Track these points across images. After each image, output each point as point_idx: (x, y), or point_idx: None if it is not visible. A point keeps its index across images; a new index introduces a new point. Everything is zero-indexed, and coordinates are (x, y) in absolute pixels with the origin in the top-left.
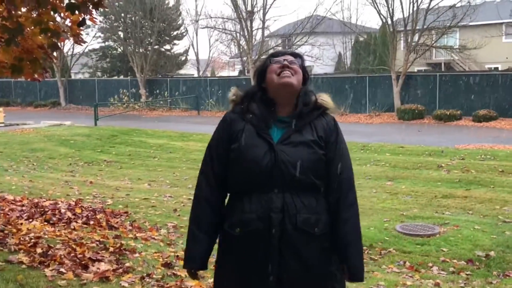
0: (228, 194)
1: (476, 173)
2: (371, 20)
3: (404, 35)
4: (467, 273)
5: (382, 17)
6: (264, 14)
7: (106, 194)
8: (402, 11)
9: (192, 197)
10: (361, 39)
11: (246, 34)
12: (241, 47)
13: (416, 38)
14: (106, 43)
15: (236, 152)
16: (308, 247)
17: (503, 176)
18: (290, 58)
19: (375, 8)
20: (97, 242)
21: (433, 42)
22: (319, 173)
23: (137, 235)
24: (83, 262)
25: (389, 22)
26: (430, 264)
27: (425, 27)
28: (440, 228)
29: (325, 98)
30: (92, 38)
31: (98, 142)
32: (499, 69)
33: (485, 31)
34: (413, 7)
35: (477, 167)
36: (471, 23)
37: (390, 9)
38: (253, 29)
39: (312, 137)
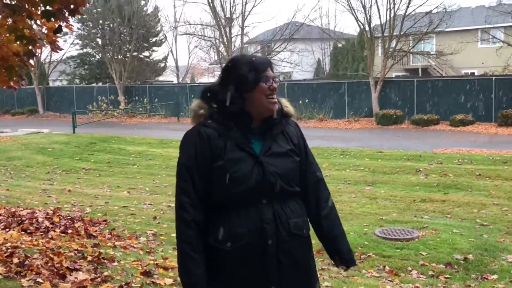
0: (210, 208)
1: (453, 177)
2: (349, 27)
3: (382, 41)
4: (446, 276)
5: (359, 23)
6: (243, 21)
7: (85, 202)
8: (380, 18)
9: (172, 204)
10: (339, 45)
11: (225, 40)
12: (220, 53)
13: (393, 44)
14: (84, 50)
15: (222, 169)
16: (300, 250)
17: (480, 179)
18: (273, 73)
19: (352, 14)
20: (75, 251)
21: (410, 48)
22: (298, 180)
23: (116, 243)
24: (60, 272)
25: (367, 28)
26: (410, 268)
27: (402, 33)
28: (419, 232)
29: (287, 105)
30: (70, 45)
31: (77, 149)
32: (475, 74)
33: (461, 37)
34: (390, 13)
35: (455, 171)
36: (447, 29)
37: (368, 16)
38: (232, 35)
39: (289, 146)
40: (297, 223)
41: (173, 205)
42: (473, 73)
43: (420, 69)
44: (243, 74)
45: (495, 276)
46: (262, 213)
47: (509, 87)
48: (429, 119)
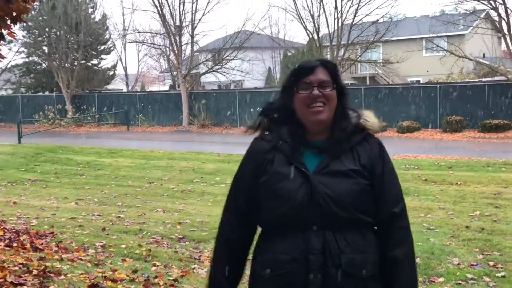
0: (260, 230)
1: (401, 182)
2: (299, 36)
3: (330, 50)
4: None
5: (308, 32)
6: (193, 29)
7: (31, 214)
8: (328, 27)
9: (121, 215)
10: (289, 54)
11: (175, 48)
12: (170, 61)
13: (341, 52)
14: (30, 58)
15: (266, 186)
16: None
17: (427, 184)
18: (319, 76)
19: (301, 24)
20: (20, 265)
21: (357, 56)
22: (363, 207)
23: (63, 256)
24: (4, 287)
25: (315, 37)
26: None
27: (349, 42)
28: None
29: (368, 118)
30: (15, 54)
31: (22, 160)
32: (421, 81)
33: (407, 45)
34: (338, 23)
35: (402, 177)
36: (393, 38)
37: (316, 25)
38: (182, 43)
39: (355, 166)
40: (353, 260)
41: (123, 215)
42: (419, 81)
43: (367, 77)
44: (286, 81)
45: (441, 279)
46: (309, 241)
47: (453, 95)
48: None
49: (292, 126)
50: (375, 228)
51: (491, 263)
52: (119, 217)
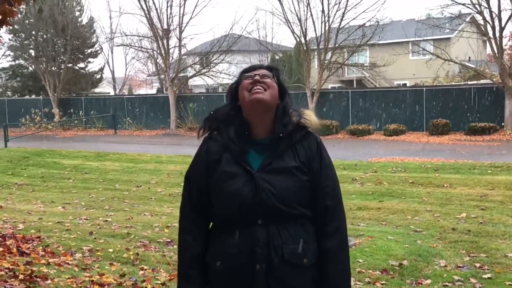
0: (211, 224)
1: (388, 185)
2: (286, 39)
3: (317, 53)
4: (382, 282)
5: (296, 36)
6: (181, 33)
7: (17, 218)
8: (315, 30)
9: (109, 219)
10: (277, 57)
11: (162, 52)
12: (158, 65)
13: (328, 56)
14: (17, 62)
15: (215, 183)
16: (298, 280)
17: (413, 187)
18: (263, 71)
19: (289, 27)
20: (6, 270)
21: (345, 60)
22: (304, 201)
23: (50, 260)
24: None
25: (303, 41)
26: None
27: (336, 45)
28: (356, 240)
29: (309, 117)
30: (1, 57)
31: (9, 164)
32: (407, 85)
33: (393, 49)
34: (325, 26)
35: (389, 179)
36: (380, 42)
37: (303, 29)
38: (170, 47)
39: (295, 163)
40: (294, 250)
41: (110, 219)
42: (405, 84)
43: (355, 81)
44: (233, 83)
45: (428, 281)
46: (255, 234)
47: (439, 98)
48: (364, 129)
49: (239, 126)
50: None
51: (478, 264)
52: (107, 221)
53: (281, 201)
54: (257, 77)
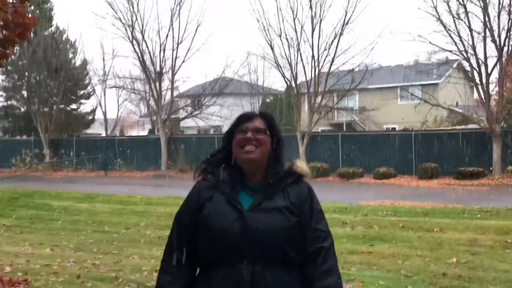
0: (198, 268)
1: (378, 229)
2: (277, 83)
3: (308, 97)
4: None
5: (286, 80)
6: (173, 75)
7: (4, 261)
8: (305, 75)
9: (97, 262)
10: (268, 100)
11: (155, 94)
12: (150, 106)
13: (318, 100)
14: (9, 102)
15: (203, 221)
16: None
17: (404, 231)
18: (256, 124)
19: (279, 71)
20: None
21: (334, 103)
22: (292, 242)
23: None
24: None
25: (293, 85)
26: None
27: (326, 89)
28: (347, 285)
29: (299, 165)
30: None
31: None
32: (396, 129)
33: (382, 93)
34: (315, 71)
35: (380, 223)
36: (369, 86)
37: (294, 73)
38: (162, 89)
39: (285, 203)
40: None
41: (99, 262)
42: (394, 128)
43: (344, 124)
44: (229, 128)
45: None
46: (241, 275)
47: (428, 142)
48: (354, 172)
49: (232, 170)
50: (301, 265)
51: None
52: (95, 264)
53: (268, 238)
54: (249, 135)
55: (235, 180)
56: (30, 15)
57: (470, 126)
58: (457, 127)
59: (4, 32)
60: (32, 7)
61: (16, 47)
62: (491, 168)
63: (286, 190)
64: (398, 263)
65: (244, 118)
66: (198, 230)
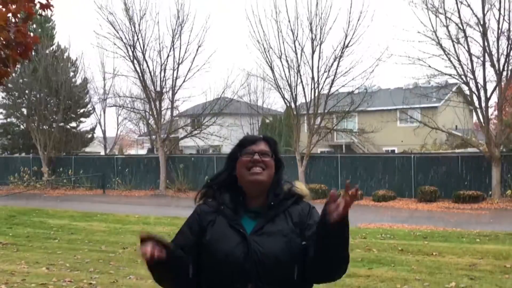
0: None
1: (377, 252)
2: (277, 103)
3: (307, 118)
4: None
5: (286, 101)
6: (173, 95)
7: (0, 279)
8: (305, 96)
9: (93, 282)
10: (267, 121)
11: (155, 113)
12: (150, 126)
13: (318, 121)
14: (8, 120)
15: (206, 245)
16: None
17: (403, 254)
18: (261, 147)
19: (279, 93)
20: None
21: (334, 125)
22: (296, 261)
23: None
24: None
25: (293, 106)
26: None
27: (326, 111)
28: None
29: (299, 186)
30: None
31: None
32: (395, 151)
33: (381, 116)
34: (315, 92)
35: (378, 246)
36: (368, 109)
37: (293, 94)
38: (162, 108)
39: (287, 225)
40: None
41: (95, 282)
42: (393, 150)
43: (344, 145)
44: (232, 150)
45: None
46: None
47: (427, 165)
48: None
49: (234, 193)
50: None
51: None
52: (91, 283)
53: (272, 264)
54: (256, 157)
55: (237, 204)
56: (32, 34)
57: (469, 149)
58: (457, 150)
59: (5, 51)
60: (34, 26)
61: (17, 66)
62: (490, 192)
63: (288, 212)
64: (396, 287)
65: (248, 141)
66: (201, 256)
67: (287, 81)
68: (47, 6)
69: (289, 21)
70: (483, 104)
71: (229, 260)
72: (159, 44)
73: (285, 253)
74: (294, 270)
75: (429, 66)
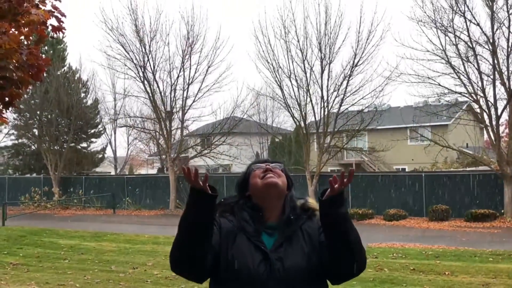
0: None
1: (389, 271)
2: (286, 122)
3: (317, 137)
4: None
5: (295, 120)
6: (183, 115)
7: None
8: (314, 115)
9: None
10: (277, 139)
11: (165, 133)
12: (160, 145)
13: (328, 140)
14: (20, 141)
15: (229, 260)
16: None
17: (414, 274)
18: (272, 164)
19: (289, 112)
20: None
21: (344, 144)
22: (315, 279)
23: None
24: None
25: (302, 125)
26: None
27: (336, 130)
28: None
29: (311, 201)
30: (5, 135)
31: (5, 243)
32: (406, 169)
33: (391, 134)
34: (324, 111)
35: (390, 266)
36: (378, 127)
37: (303, 113)
38: (172, 128)
39: (304, 242)
40: None
41: None
42: (404, 168)
43: (354, 164)
44: (242, 174)
45: None
46: None
47: (438, 183)
48: (364, 213)
49: (251, 210)
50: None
51: None
52: None
53: (294, 280)
54: (268, 166)
55: (255, 220)
56: (44, 56)
57: (481, 167)
58: (468, 168)
59: (18, 73)
60: (46, 47)
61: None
62: (502, 210)
63: (304, 229)
64: None
65: (257, 161)
66: (221, 271)
67: (297, 100)
68: (59, 28)
69: (298, 41)
70: (493, 122)
71: (252, 278)
72: (169, 64)
73: (304, 269)
74: (313, 286)
75: (439, 85)
